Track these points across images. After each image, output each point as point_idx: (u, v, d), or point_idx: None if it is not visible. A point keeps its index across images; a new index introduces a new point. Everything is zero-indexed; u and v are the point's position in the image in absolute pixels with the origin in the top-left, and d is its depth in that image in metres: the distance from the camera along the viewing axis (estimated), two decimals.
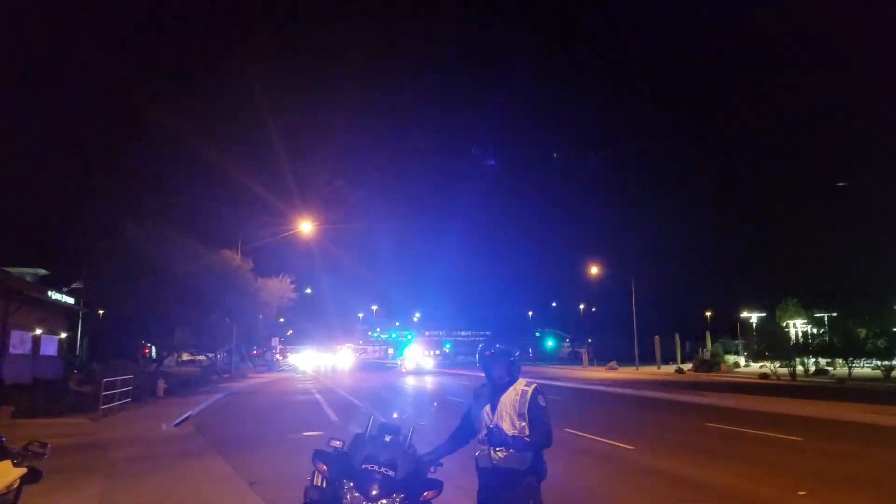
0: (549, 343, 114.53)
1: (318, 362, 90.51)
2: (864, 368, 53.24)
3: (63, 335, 43.70)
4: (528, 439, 4.80)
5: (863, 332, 51.45)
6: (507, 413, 4.89)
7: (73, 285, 42.52)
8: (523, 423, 4.84)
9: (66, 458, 13.38)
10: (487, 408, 5.02)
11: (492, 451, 4.85)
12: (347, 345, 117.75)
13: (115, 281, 35.33)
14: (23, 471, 4.60)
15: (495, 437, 4.64)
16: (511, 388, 4.99)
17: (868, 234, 78.53)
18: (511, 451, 4.76)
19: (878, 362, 51.45)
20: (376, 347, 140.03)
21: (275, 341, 78.02)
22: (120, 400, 23.70)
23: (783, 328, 63.36)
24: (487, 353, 5.16)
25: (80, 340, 51.77)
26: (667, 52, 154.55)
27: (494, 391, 5.06)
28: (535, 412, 4.86)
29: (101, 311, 50.16)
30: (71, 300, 40.89)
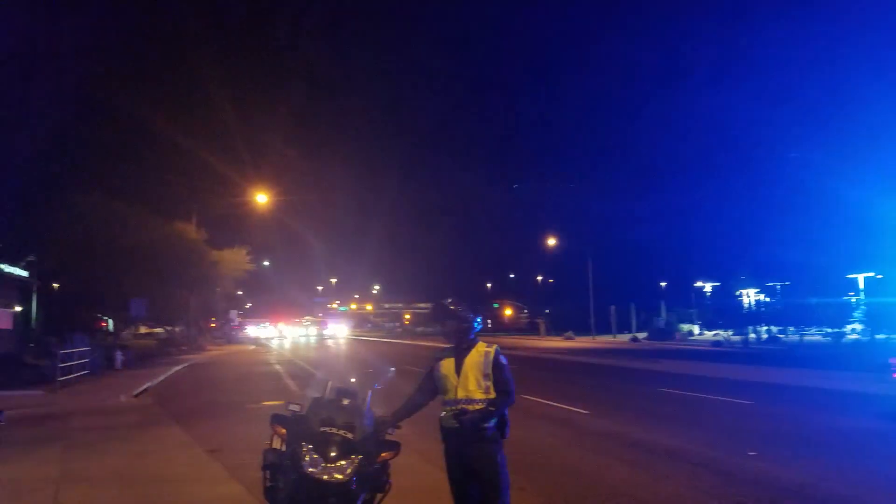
0: (507, 313, 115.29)
1: (279, 334, 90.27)
2: (815, 336, 54.70)
3: (17, 309, 42.86)
4: (492, 397, 5.03)
5: (814, 301, 52.84)
6: (473, 374, 5.08)
7: (28, 258, 41.65)
8: (488, 383, 5.05)
9: (23, 429, 13.31)
10: (452, 368, 5.16)
11: (460, 407, 5.02)
12: (307, 317, 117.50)
13: (67, 254, 34.75)
14: None
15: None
16: (473, 349, 5.18)
17: (821, 206, 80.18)
18: (480, 409, 4.96)
19: (829, 329, 52.91)
20: (338, 320, 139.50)
21: (233, 313, 77.60)
22: (77, 372, 23.46)
23: (736, 297, 64.87)
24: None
25: (35, 314, 50.85)
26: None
27: (458, 351, 5.22)
28: (498, 371, 5.10)
29: (55, 285, 49.30)
30: (24, 273, 40.02)
